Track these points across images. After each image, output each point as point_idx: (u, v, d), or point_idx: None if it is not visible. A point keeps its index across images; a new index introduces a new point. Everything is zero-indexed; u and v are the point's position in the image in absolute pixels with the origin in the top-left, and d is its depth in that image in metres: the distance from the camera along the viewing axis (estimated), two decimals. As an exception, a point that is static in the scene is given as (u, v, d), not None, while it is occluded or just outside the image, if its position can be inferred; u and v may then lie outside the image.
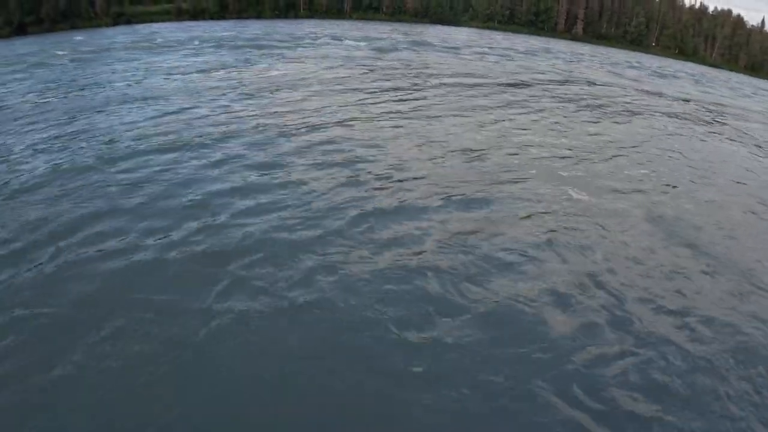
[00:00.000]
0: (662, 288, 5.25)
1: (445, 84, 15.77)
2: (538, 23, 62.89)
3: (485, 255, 5.48)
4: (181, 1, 53.19)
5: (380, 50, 25.78)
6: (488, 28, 60.12)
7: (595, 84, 20.90)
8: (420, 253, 5.39)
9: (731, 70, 55.64)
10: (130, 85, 13.74)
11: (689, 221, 7.16)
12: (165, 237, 5.40)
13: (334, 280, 4.75)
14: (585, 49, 47.40)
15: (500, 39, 43.98)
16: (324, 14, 58.18)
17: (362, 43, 28.80)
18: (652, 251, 6.06)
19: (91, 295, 4.43)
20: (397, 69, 18.36)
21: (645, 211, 7.27)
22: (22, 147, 8.56)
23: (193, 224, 5.66)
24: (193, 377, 3.63)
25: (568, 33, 62.10)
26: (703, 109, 18.57)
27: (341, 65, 18.52)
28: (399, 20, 58.70)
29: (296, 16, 56.72)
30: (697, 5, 66.04)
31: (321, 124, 10.08)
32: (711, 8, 67.78)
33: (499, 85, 17.03)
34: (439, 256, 5.34)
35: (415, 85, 15.32)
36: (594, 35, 62.11)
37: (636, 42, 61.44)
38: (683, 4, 63.72)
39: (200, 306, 4.32)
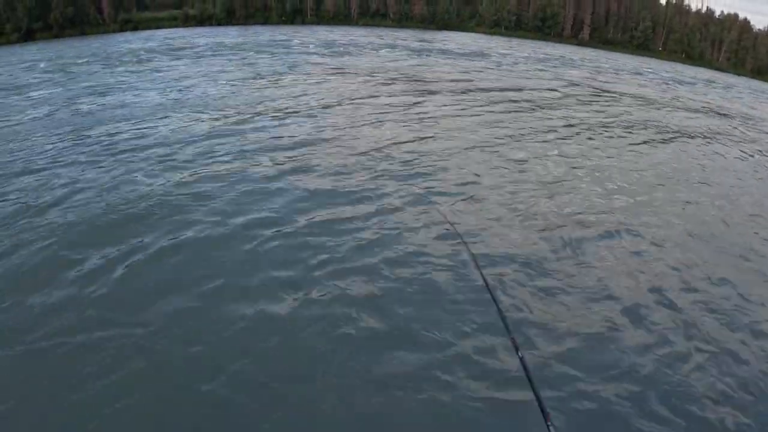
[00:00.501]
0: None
1: (497, 101, 15.05)
2: (545, 29, 63.01)
3: (563, 276, 5.25)
4: (188, 7, 52.79)
5: (411, 59, 25.46)
6: (495, 33, 60.05)
7: (629, 96, 20.50)
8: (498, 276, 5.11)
9: (738, 74, 55.84)
10: (181, 91, 13.27)
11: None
12: (233, 259, 5.02)
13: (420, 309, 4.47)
14: (595, 55, 47.26)
15: (515, 45, 43.80)
16: (331, 20, 57.82)
17: (396, 51, 28.58)
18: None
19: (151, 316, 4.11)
20: (439, 81, 17.81)
21: (717, 239, 6.85)
22: (75, 156, 8.10)
23: (264, 253, 5.22)
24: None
25: (574, 38, 62.20)
26: (739, 123, 18.19)
27: (384, 76, 17.97)
28: (405, 26, 58.41)
29: (303, 22, 56.31)
30: (704, 9, 66.54)
31: (388, 144, 9.42)
32: (717, 12, 68.36)
33: (547, 100, 16.44)
34: (516, 281, 5.08)
35: (464, 100, 14.76)
36: (600, 40, 62.28)
37: (642, 47, 61.62)
38: (689, 9, 64.11)
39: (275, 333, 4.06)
